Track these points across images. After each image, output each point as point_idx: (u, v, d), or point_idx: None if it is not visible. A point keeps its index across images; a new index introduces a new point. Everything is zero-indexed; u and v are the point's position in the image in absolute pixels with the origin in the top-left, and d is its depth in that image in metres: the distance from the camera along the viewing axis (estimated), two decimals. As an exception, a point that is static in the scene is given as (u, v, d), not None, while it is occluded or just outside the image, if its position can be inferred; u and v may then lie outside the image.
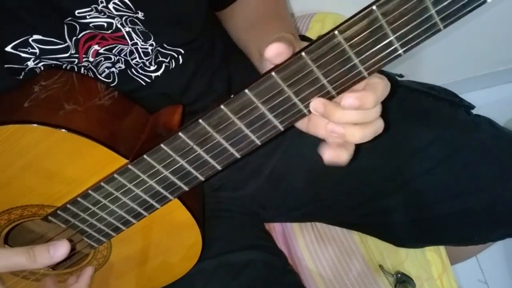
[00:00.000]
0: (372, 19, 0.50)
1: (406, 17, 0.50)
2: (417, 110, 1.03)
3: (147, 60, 0.82)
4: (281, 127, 0.61)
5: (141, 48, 0.80)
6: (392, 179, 1.02)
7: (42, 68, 0.76)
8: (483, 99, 1.75)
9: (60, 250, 0.72)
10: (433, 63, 1.73)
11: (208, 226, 0.89)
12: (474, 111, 1.05)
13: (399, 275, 1.12)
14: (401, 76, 1.06)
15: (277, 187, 1.08)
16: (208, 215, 0.91)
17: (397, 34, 0.51)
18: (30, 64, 0.75)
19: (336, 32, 0.52)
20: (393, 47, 0.52)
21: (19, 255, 0.71)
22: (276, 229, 1.18)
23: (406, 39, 0.52)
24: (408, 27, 0.51)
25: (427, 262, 1.15)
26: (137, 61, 0.82)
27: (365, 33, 0.51)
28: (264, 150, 1.05)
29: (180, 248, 0.84)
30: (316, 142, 1.02)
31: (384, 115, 1.03)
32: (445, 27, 0.50)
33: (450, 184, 0.99)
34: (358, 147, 0.65)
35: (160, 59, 0.84)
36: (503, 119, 1.77)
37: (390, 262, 1.15)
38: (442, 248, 1.16)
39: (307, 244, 1.15)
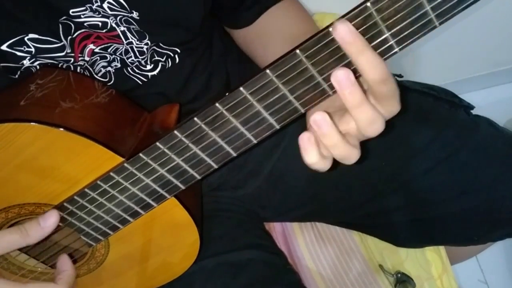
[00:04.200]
0: (366, 16, 0.50)
1: (401, 14, 0.50)
2: (416, 110, 1.03)
3: (142, 59, 0.82)
4: (277, 126, 0.61)
5: (136, 47, 0.80)
6: (391, 179, 1.02)
7: (37, 67, 0.76)
8: (483, 99, 1.76)
9: (49, 219, 0.74)
10: (433, 63, 1.73)
11: (208, 225, 0.88)
12: (473, 111, 1.05)
13: (399, 275, 1.11)
14: (400, 76, 1.05)
15: (277, 186, 1.08)
16: (207, 214, 0.91)
17: (392, 31, 0.51)
18: (26, 63, 0.75)
19: (330, 29, 0.51)
20: (388, 44, 0.52)
21: (11, 233, 0.73)
22: (276, 229, 1.18)
23: (402, 36, 0.51)
24: (403, 23, 0.50)
25: (427, 262, 1.15)
26: (132, 60, 0.81)
27: (360, 30, 0.51)
28: (263, 150, 1.05)
29: (178, 247, 0.84)
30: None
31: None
32: (440, 23, 0.50)
33: (449, 184, 0.99)
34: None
35: (156, 58, 0.84)
36: (503, 119, 1.77)
37: (390, 262, 1.14)
38: (442, 248, 1.16)
39: (307, 244, 1.15)
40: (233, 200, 1.08)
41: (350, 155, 0.61)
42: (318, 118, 0.57)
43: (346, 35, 0.51)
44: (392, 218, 1.05)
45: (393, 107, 0.59)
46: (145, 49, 0.81)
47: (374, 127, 0.58)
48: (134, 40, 0.79)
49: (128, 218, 0.75)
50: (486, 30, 1.61)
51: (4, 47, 0.73)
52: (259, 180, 1.08)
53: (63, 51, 0.76)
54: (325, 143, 0.59)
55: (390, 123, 0.62)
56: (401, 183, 1.01)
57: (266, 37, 0.92)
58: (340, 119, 0.63)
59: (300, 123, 1.03)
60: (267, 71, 0.55)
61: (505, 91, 1.98)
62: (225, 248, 0.98)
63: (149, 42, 0.80)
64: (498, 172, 0.98)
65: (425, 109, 1.03)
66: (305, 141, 0.60)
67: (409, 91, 1.04)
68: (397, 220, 1.05)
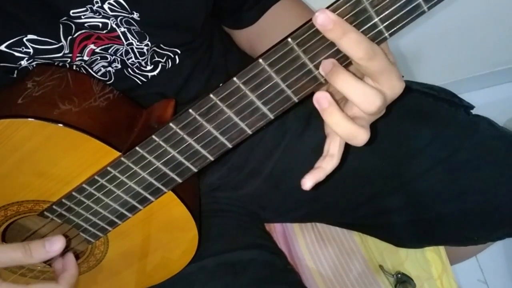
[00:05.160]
0: (356, 2, 0.51)
1: (389, -1, 0.50)
2: (416, 110, 1.03)
3: (143, 60, 0.82)
4: (271, 115, 0.61)
5: (136, 48, 0.80)
6: (391, 179, 1.01)
7: (34, 65, 0.76)
8: (483, 99, 1.74)
9: (55, 244, 0.74)
10: (433, 63, 1.73)
11: (208, 225, 0.88)
12: (473, 111, 1.05)
13: (399, 275, 1.11)
14: (400, 76, 1.05)
15: (277, 187, 1.08)
16: (207, 215, 0.91)
17: (381, 16, 0.51)
18: (24, 63, 0.75)
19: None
20: (377, 29, 0.52)
21: (15, 250, 0.72)
22: (276, 229, 1.18)
23: (391, 21, 0.52)
24: (392, 8, 0.51)
25: (427, 262, 1.14)
26: (133, 61, 0.82)
27: (350, 15, 0.52)
28: (263, 150, 1.05)
29: (177, 242, 0.84)
30: (315, 142, 1.03)
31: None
32: (429, 8, 0.50)
33: (449, 184, 0.99)
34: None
35: (156, 59, 0.85)
36: (503, 119, 1.77)
37: (390, 262, 1.14)
38: (442, 248, 1.16)
39: (307, 244, 1.15)
40: (233, 200, 1.08)
41: (355, 134, 0.59)
42: (319, 96, 0.56)
43: (325, 23, 0.51)
44: (392, 218, 1.05)
45: (392, 83, 0.58)
46: (145, 50, 0.81)
47: (374, 105, 0.57)
48: (135, 41, 0.79)
49: (126, 213, 0.76)
50: (486, 30, 1.61)
51: (2, 48, 0.73)
52: (259, 181, 1.07)
53: (60, 52, 0.76)
54: (326, 120, 0.58)
55: (389, 108, 0.62)
56: (401, 183, 1.01)
57: (269, 36, 0.93)
58: (345, 105, 0.64)
59: (300, 123, 1.04)
60: (260, 60, 0.56)
61: (505, 91, 1.98)
62: (226, 248, 0.98)
63: (149, 43, 0.80)
64: (498, 172, 0.97)
65: (425, 109, 1.03)
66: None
67: (409, 91, 1.04)
68: (397, 220, 1.05)
